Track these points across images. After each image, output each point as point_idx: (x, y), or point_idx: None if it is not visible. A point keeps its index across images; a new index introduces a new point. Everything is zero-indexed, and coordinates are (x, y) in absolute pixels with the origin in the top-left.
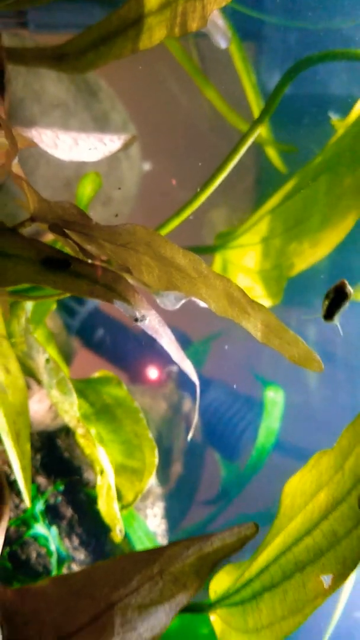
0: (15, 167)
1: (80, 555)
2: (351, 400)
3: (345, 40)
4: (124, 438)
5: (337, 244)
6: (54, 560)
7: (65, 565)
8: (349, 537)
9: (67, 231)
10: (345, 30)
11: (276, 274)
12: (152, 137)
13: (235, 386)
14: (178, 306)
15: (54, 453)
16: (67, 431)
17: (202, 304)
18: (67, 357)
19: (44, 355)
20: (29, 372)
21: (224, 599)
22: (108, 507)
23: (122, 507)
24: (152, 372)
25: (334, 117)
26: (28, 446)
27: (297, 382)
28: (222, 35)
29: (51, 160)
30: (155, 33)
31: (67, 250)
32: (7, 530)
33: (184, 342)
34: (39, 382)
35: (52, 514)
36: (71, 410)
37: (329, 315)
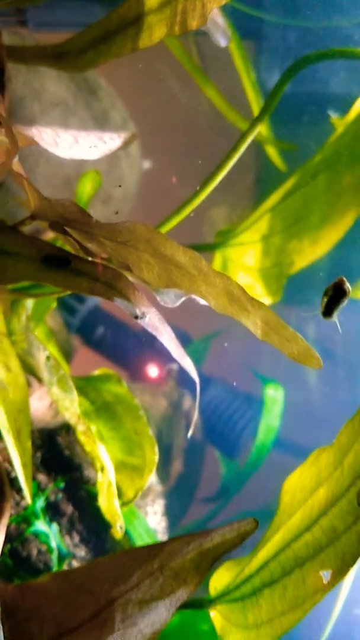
0: (16, 165)
1: (81, 552)
2: (350, 397)
3: (344, 39)
4: (124, 435)
5: (337, 242)
6: (54, 557)
7: (66, 562)
8: (348, 532)
9: (67, 229)
10: (344, 29)
11: (276, 271)
12: (152, 135)
13: (235, 384)
14: (178, 304)
15: (54, 450)
16: (67, 428)
17: (202, 302)
18: (68, 354)
19: (45, 352)
20: (30, 370)
21: (223, 595)
22: (108, 504)
23: (123, 504)
24: (152, 370)
25: (334, 116)
26: (29, 443)
27: (297, 380)
28: (222, 34)
29: (51, 158)
30: (155, 31)
31: (68, 248)
32: (8, 527)
33: (184, 339)
34: (39, 379)
35: (52, 511)
36: (71, 407)
37: (327, 312)
